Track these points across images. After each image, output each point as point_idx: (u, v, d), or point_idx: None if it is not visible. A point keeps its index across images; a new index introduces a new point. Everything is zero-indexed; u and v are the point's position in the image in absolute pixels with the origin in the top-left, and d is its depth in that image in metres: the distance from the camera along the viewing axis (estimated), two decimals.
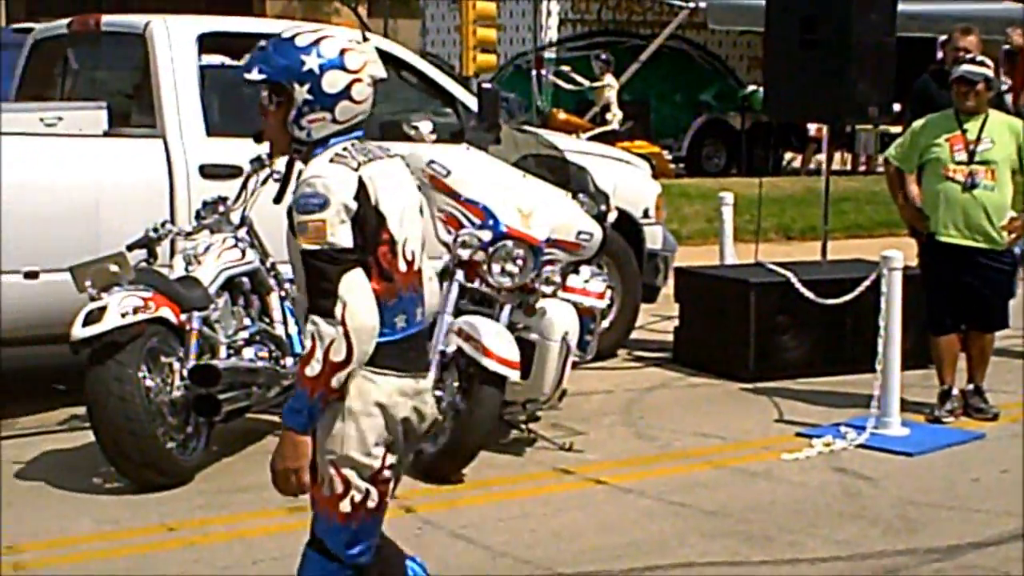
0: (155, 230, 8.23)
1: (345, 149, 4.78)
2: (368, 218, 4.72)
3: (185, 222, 8.74)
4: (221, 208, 8.43)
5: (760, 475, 8.21)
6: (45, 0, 29.67)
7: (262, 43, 4.87)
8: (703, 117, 25.41)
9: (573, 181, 8.82)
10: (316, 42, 4.78)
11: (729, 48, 25.91)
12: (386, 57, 10.47)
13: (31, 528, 7.17)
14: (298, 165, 4.84)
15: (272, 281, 8.55)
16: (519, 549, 7.00)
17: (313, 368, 4.61)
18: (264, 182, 8.47)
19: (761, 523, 7.40)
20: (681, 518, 7.50)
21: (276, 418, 8.83)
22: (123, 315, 7.54)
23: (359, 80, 4.80)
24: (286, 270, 8.62)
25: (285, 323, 8.51)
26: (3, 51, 11.77)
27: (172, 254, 8.40)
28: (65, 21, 10.28)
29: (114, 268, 7.73)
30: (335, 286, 4.62)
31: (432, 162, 8.39)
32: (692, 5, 24.08)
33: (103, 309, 7.54)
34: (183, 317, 7.79)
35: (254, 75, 4.79)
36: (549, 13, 24.40)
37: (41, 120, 9.16)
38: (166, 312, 7.63)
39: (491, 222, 8.22)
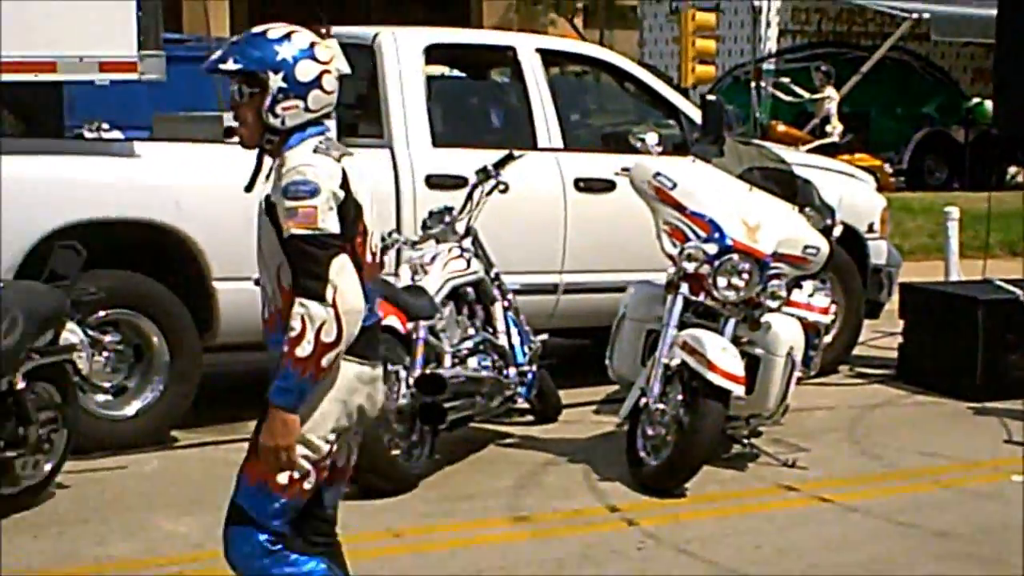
0: (382, 239, 8.30)
1: (322, 142, 4.96)
2: (349, 208, 4.92)
3: (411, 232, 8.83)
4: (447, 218, 8.50)
5: (990, 496, 8.02)
6: (268, 8, 30.24)
7: (234, 38, 5.12)
8: (925, 130, 24.96)
9: (799, 194, 8.70)
10: (287, 35, 4.98)
11: (952, 60, 25.42)
12: (609, 68, 10.57)
13: None
14: (267, 159, 5.03)
15: (496, 291, 8.59)
16: (744, 566, 6.93)
17: (304, 349, 4.77)
18: (489, 192, 8.52)
19: (993, 546, 7.23)
20: (909, 539, 7.35)
21: (500, 427, 8.93)
22: None
23: (328, 71, 5.00)
24: (510, 280, 8.69)
25: (508, 333, 8.55)
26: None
27: (398, 263, 8.47)
28: None
29: None
30: (325, 270, 4.80)
31: (658, 174, 8.34)
32: (915, 16, 23.68)
33: None
34: (410, 326, 7.86)
35: (229, 65, 4.96)
36: (769, 24, 24.17)
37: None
38: (393, 321, 7.69)
39: (717, 235, 8.14)
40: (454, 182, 9.05)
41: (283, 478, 4.93)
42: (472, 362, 8.28)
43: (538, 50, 10.01)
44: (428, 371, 7.89)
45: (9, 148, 8.24)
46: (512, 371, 8.42)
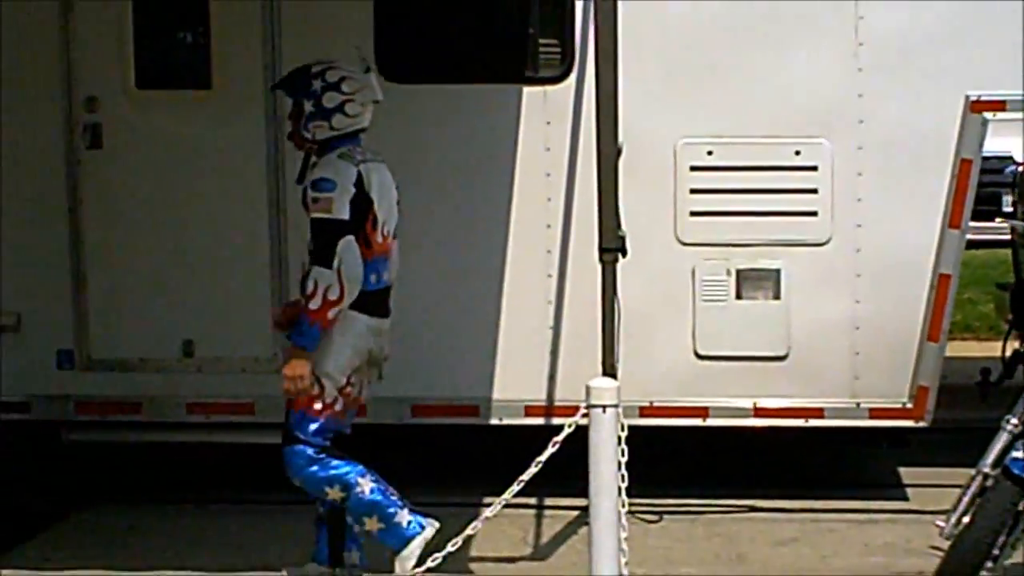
0: None
1: (350, 150, 6.62)
2: (360, 200, 6.52)
3: None
4: None
5: None
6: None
7: (292, 69, 6.85)
8: None
9: None
10: (323, 71, 6.65)
11: None
12: None
13: None
14: (313, 157, 6.69)
15: None
16: None
17: (316, 303, 6.39)
18: None
19: None
20: None
21: None
22: None
23: (351, 100, 6.63)
24: None
25: None
26: None
27: None
28: None
29: None
30: (334, 246, 6.41)
31: None
32: None
33: None
34: None
35: (282, 93, 6.90)
36: None
37: None
38: None
39: None
40: None
41: (318, 404, 6.54)
42: None
43: None
44: None
45: None
46: None
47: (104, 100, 8.15)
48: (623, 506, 6.23)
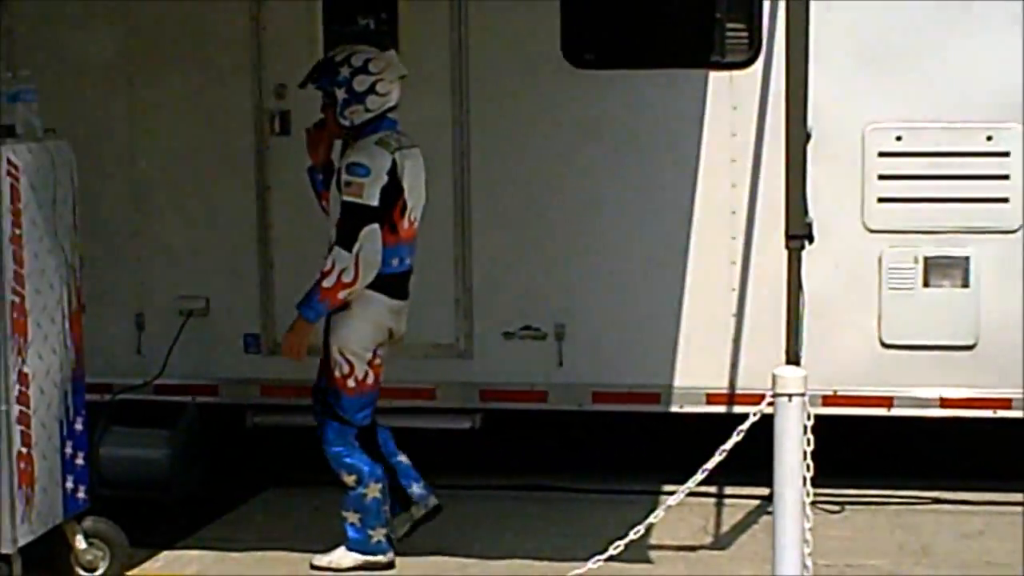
0: None
1: (387, 135, 6.87)
2: (392, 188, 6.79)
3: None
4: None
5: None
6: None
7: (315, 63, 7.12)
8: None
9: None
10: (347, 57, 6.87)
11: None
12: None
13: None
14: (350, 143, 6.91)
15: None
16: None
17: (329, 281, 6.74)
18: None
19: None
20: None
21: None
22: None
23: (381, 79, 6.85)
24: None
25: None
26: None
27: None
28: None
29: None
30: (358, 231, 6.71)
31: None
32: None
33: None
34: None
35: (312, 86, 6.99)
36: None
37: None
38: None
39: None
40: None
41: (352, 383, 6.96)
42: None
43: None
44: None
45: None
46: None
47: (293, 88, 8.27)
48: (807, 496, 6.16)
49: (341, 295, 6.77)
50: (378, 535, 7.08)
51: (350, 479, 7.03)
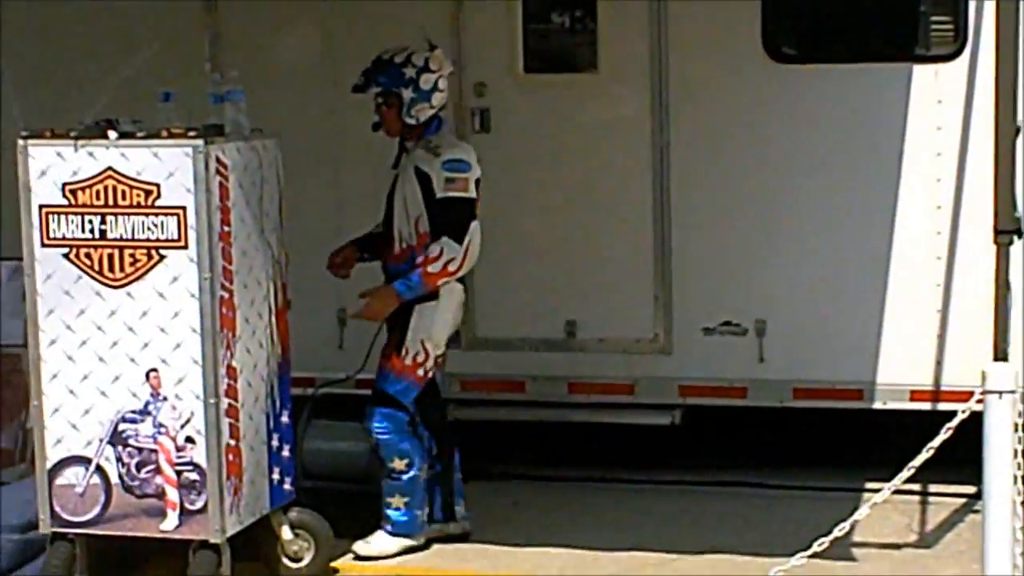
0: None
1: (450, 130, 7.30)
2: (479, 180, 7.10)
3: None
4: None
5: None
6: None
7: (367, 67, 7.11)
8: None
9: None
10: (408, 57, 7.03)
11: None
12: None
13: None
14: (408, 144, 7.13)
15: None
16: None
17: (435, 267, 6.91)
18: None
19: None
20: None
21: None
22: None
23: (441, 75, 7.07)
24: None
25: None
26: None
27: None
28: None
29: None
30: (467, 225, 6.93)
31: None
32: None
33: None
34: None
35: (374, 89, 7.08)
36: None
37: None
38: None
39: None
40: None
41: (420, 372, 7.10)
42: None
43: None
44: None
45: None
46: None
47: (492, 85, 8.32)
48: (1018, 495, 6.05)
49: (440, 281, 6.98)
50: (423, 515, 7.29)
51: (401, 463, 7.17)
